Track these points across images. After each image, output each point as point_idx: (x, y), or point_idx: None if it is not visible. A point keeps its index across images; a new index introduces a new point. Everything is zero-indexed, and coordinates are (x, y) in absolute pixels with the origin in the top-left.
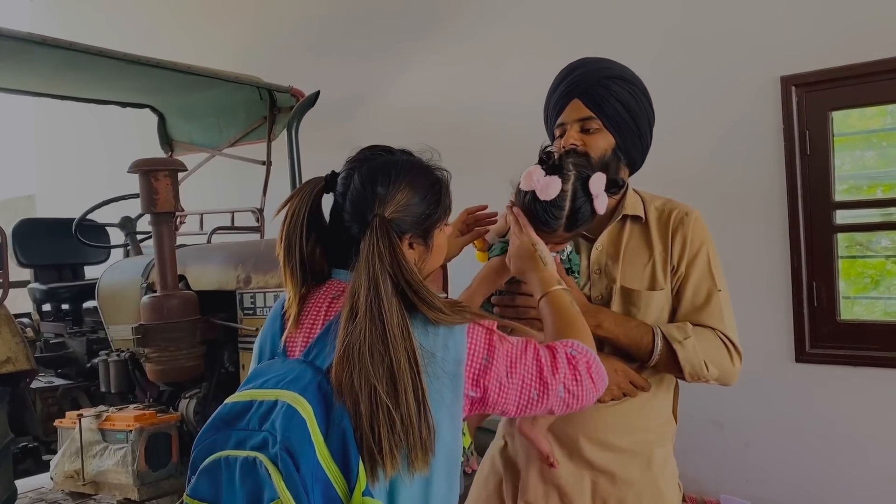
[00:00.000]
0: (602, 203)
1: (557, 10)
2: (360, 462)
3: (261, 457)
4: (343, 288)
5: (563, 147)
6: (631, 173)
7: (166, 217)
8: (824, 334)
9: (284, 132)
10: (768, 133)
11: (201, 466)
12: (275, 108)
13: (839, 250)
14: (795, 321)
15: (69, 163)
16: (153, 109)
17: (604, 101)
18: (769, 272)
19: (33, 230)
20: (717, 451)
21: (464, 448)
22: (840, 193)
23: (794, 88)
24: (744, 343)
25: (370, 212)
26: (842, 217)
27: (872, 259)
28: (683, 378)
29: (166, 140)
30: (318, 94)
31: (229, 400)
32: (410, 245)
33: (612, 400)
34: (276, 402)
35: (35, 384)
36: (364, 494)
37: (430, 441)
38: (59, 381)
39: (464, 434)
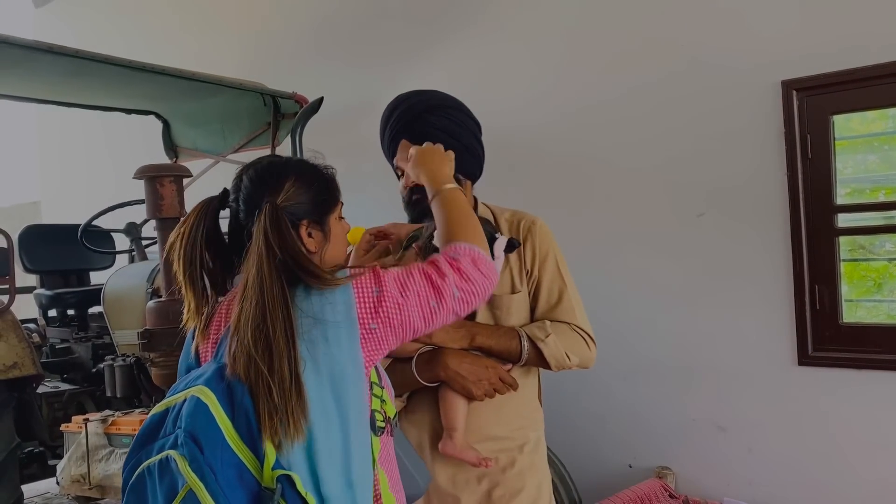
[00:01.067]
0: (500, 264)
1: (566, 18)
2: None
3: (171, 452)
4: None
5: (406, 187)
6: (473, 183)
7: (171, 223)
8: (827, 337)
9: (288, 138)
10: (769, 137)
11: (129, 486)
12: (279, 115)
13: (841, 254)
14: (798, 324)
15: (74, 169)
16: (158, 116)
17: (427, 136)
18: (771, 275)
19: (39, 236)
20: (719, 454)
21: (390, 417)
22: (842, 197)
23: (794, 93)
24: (746, 346)
25: (262, 201)
26: (844, 220)
27: (875, 262)
28: (550, 369)
29: (171, 146)
30: (321, 100)
31: (147, 416)
32: (309, 234)
33: (487, 397)
34: (184, 401)
35: (41, 389)
36: (275, 468)
37: (302, 408)
38: (65, 386)
39: (385, 402)
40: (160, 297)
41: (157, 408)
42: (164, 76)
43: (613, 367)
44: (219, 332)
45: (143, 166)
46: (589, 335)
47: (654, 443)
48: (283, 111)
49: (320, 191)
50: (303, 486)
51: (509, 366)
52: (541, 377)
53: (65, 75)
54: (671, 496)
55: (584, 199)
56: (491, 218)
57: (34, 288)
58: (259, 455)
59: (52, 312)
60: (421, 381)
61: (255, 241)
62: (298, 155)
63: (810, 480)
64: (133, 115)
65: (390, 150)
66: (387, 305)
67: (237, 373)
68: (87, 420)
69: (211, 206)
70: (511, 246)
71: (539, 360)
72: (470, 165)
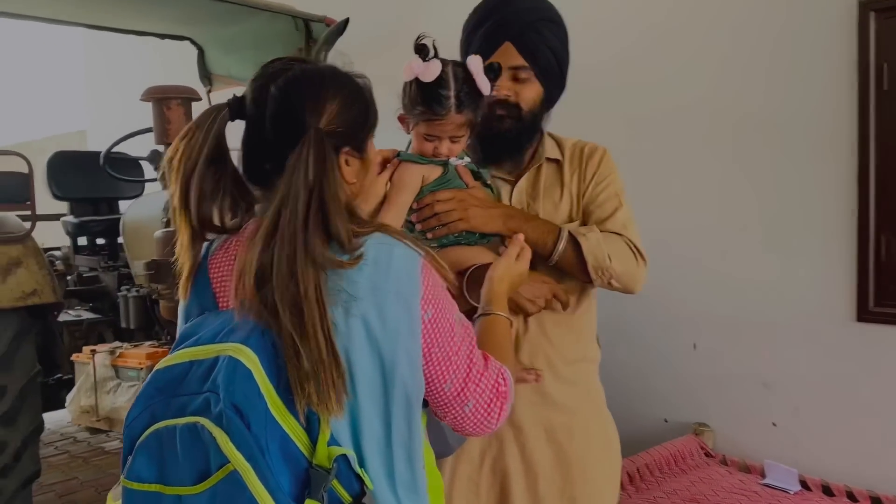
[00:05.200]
0: (483, 83)
1: None
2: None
3: (202, 420)
4: (259, 221)
5: (496, 96)
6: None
7: None
8: (891, 292)
9: None
10: (841, 65)
11: (138, 442)
12: (311, 40)
13: None
14: (859, 276)
15: (121, 97)
16: (192, 42)
17: (537, 49)
18: (833, 221)
19: (68, 163)
20: (762, 413)
21: None
22: None
23: (873, 14)
24: (799, 298)
25: (301, 126)
26: None
27: None
28: (588, 278)
29: (205, 73)
30: (346, 21)
31: (161, 365)
32: (346, 162)
33: (536, 311)
34: (216, 359)
35: (63, 318)
36: (330, 443)
37: (343, 380)
38: (87, 315)
39: None
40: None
41: (176, 358)
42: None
43: (651, 316)
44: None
45: (150, 87)
46: (641, 252)
47: (692, 398)
48: (315, 36)
49: (361, 110)
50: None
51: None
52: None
53: None
54: (707, 455)
55: (637, 133)
56: (555, 146)
57: (60, 215)
58: (310, 427)
59: (83, 241)
60: (471, 301)
61: (295, 174)
62: None
63: (862, 446)
64: (181, 43)
65: (483, 47)
66: (442, 312)
67: (269, 327)
68: (94, 351)
69: (220, 117)
70: (490, 69)
71: (576, 259)
72: (557, 97)
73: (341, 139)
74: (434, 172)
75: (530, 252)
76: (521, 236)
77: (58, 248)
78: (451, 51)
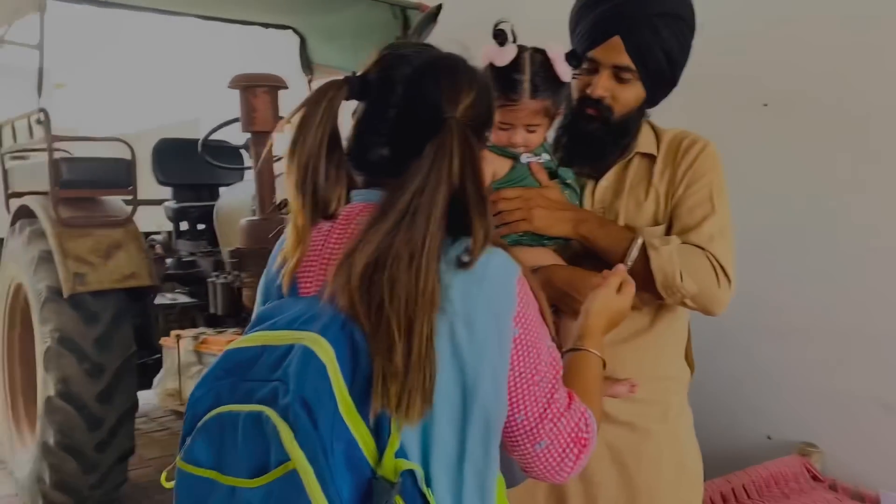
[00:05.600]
0: (563, 69)
1: None
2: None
3: (267, 411)
4: (367, 210)
5: (590, 94)
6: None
7: (264, 136)
8: None
9: None
10: None
11: (199, 424)
12: (407, 28)
13: None
14: None
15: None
16: (295, 31)
17: (648, 51)
18: None
19: (172, 150)
20: (880, 436)
21: None
22: None
23: None
24: None
25: (437, 114)
26: None
27: None
28: (658, 295)
29: (307, 63)
30: (439, 7)
31: (233, 345)
32: None
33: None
34: (290, 347)
35: (160, 300)
36: (398, 455)
37: (430, 387)
38: (182, 299)
39: None
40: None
41: (249, 341)
42: None
43: (756, 325)
44: (331, 259)
45: (237, 75)
46: (725, 271)
47: (799, 415)
48: (412, 24)
49: (488, 106)
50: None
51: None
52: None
53: None
54: (815, 478)
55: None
56: (652, 138)
57: (162, 200)
58: (379, 435)
59: (185, 225)
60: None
61: (436, 163)
62: None
63: None
64: (272, 32)
65: (590, 38)
66: (531, 333)
67: (359, 315)
68: (179, 336)
69: (337, 95)
70: (573, 56)
71: (645, 273)
72: (662, 97)
73: (474, 131)
74: (504, 167)
75: (633, 286)
76: (621, 267)
77: (157, 233)
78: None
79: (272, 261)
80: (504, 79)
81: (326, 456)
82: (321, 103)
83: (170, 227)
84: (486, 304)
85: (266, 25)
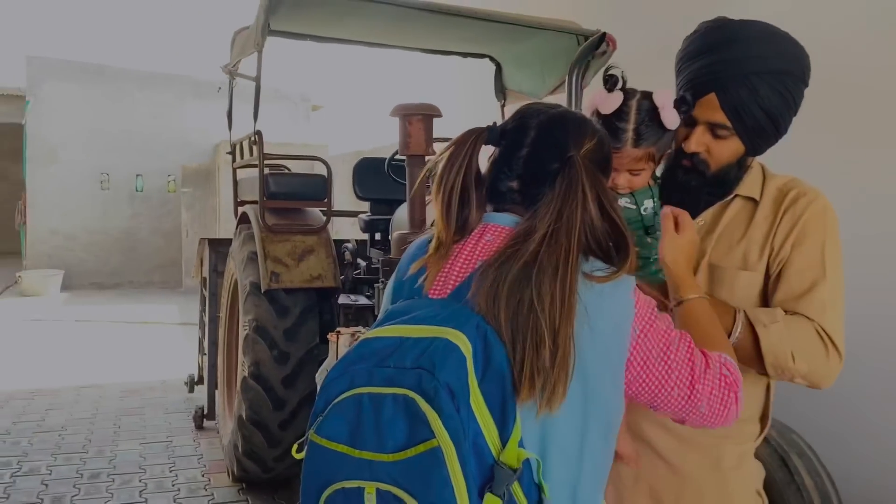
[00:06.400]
0: (670, 117)
1: None
2: (517, 411)
3: (413, 395)
4: (496, 230)
5: (686, 150)
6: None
7: (418, 160)
8: None
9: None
10: None
11: (335, 402)
12: (591, 55)
13: None
14: None
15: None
16: (492, 59)
17: (744, 109)
18: None
19: (370, 167)
20: None
21: None
22: None
23: None
24: None
25: (563, 152)
26: None
27: None
28: (765, 372)
29: (501, 89)
30: (602, 36)
31: (370, 335)
32: None
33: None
34: (432, 340)
35: (343, 300)
36: (521, 445)
37: (565, 383)
38: (361, 301)
39: None
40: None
41: (386, 332)
42: (492, 22)
43: None
44: (463, 269)
45: (397, 105)
46: (834, 343)
47: None
48: (597, 51)
49: (608, 152)
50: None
51: None
52: (773, 388)
53: (405, 20)
54: None
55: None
56: (759, 181)
57: (358, 213)
58: (504, 427)
59: (379, 236)
60: None
61: (567, 190)
62: (574, 98)
63: None
64: (469, 61)
65: (686, 89)
66: (635, 356)
67: (499, 317)
68: (339, 332)
69: (479, 139)
70: (683, 101)
71: (752, 352)
72: (767, 146)
73: (597, 168)
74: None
75: (687, 214)
76: (667, 209)
77: (349, 241)
78: None
79: (404, 266)
80: (608, 126)
81: (465, 438)
82: (466, 145)
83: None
84: (609, 314)
85: (465, 55)
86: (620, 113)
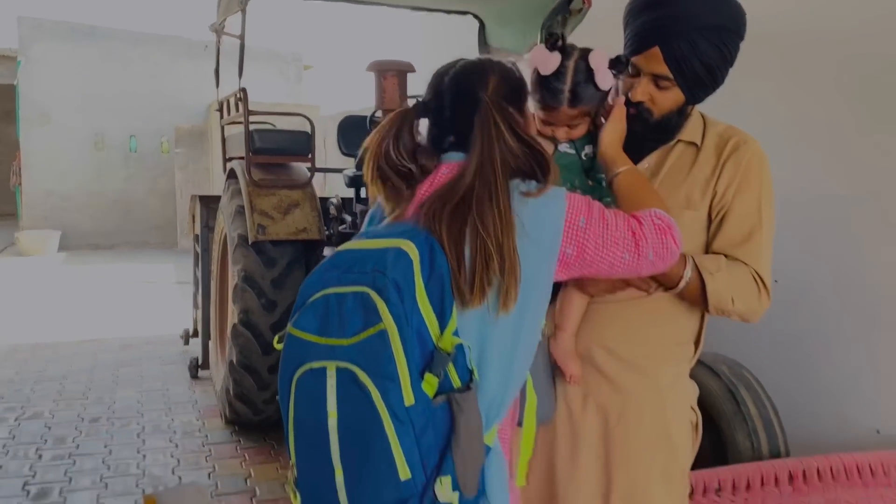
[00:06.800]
0: (604, 78)
1: None
2: (454, 306)
3: (368, 290)
4: (450, 166)
5: (631, 99)
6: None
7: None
8: None
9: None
10: None
11: (308, 301)
12: (566, 11)
13: None
14: None
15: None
16: (475, 16)
17: (685, 62)
18: None
19: (355, 125)
20: None
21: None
22: None
23: None
24: None
25: (475, 98)
26: None
27: None
28: (707, 310)
29: (484, 45)
30: None
31: (342, 248)
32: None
33: (606, 294)
34: (387, 250)
35: (328, 252)
36: (455, 334)
37: (516, 287)
38: None
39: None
40: None
41: (353, 245)
42: None
43: (873, 318)
44: (423, 196)
45: (373, 62)
46: (766, 286)
47: None
48: (572, 7)
49: (518, 82)
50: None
51: (661, 291)
52: (707, 318)
53: None
54: None
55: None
56: (698, 129)
57: (342, 169)
58: (442, 320)
59: (363, 191)
60: None
61: (483, 129)
62: None
63: None
64: (454, 17)
65: (632, 44)
66: (586, 239)
67: (441, 234)
68: None
69: (407, 116)
70: (618, 62)
71: (698, 295)
72: (706, 95)
73: (509, 101)
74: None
75: (623, 107)
76: (621, 100)
77: (334, 197)
78: None
79: (377, 204)
80: (545, 86)
81: (407, 323)
82: (393, 120)
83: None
84: (544, 223)
85: (449, 12)
86: (558, 73)
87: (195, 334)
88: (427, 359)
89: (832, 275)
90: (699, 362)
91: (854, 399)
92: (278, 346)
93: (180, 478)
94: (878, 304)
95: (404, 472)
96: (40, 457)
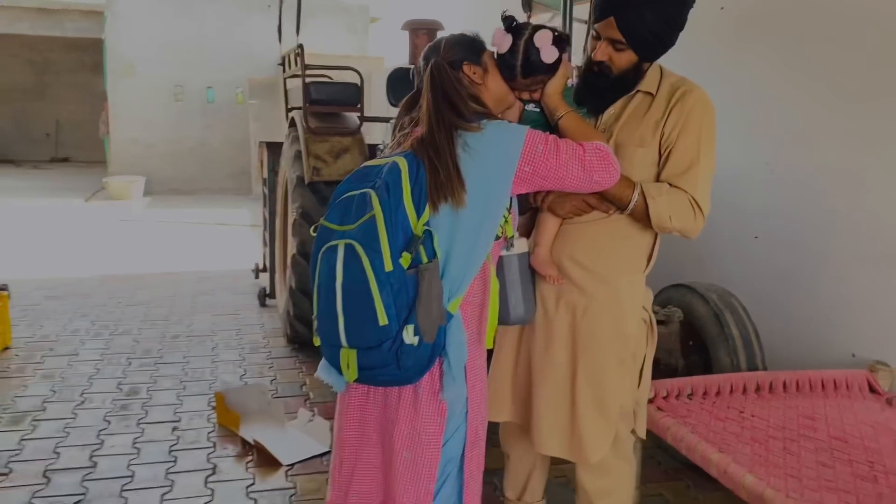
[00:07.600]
0: (548, 54)
1: None
2: (426, 206)
3: (370, 191)
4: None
5: (594, 59)
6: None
7: None
8: None
9: None
10: None
11: (337, 201)
12: None
13: None
14: None
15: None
16: None
17: (634, 30)
18: None
19: (401, 77)
20: None
21: (508, 237)
22: None
23: None
24: None
25: (430, 62)
26: None
27: None
28: (651, 226)
29: (528, 2)
30: None
31: (363, 165)
32: (473, 71)
33: (573, 215)
34: (388, 163)
35: None
36: (426, 224)
37: (462, 187)
38: None
39: (507, 222)
40: None
41: (372, 163)
42: None
43: (851, 251)
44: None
45: (407, 21)
46: (701, 209)
47: (885, 337)
48: None
49: (469, 42)
50: (439, 243)
51: (613, 210)
52: (659, 237)
53: None
54: (872, 390)
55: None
56: (654, 80)
57: (390, 118)
58: (419, 213)
59: None
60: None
61: (428, 85)
62: (568, 13)
63: None
64: None
65: (594, 13)
66: (543, 162)
67: (419, 155)
68: None
69: (411, 98)
70: (559, 39)
71: (643, 214)
72: (658, 54)
73: (459, 58)
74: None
75: (569, 63)
76: (567, 61)
77: (381, 143)
78: None
79: (385, 147)
80: (502, 62)
81: (392, 214)
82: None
83: None
84: (493, 146)
85: None
86: (511, 51)
87: (264, 269)
88: (407, 242)
89: (819, 218)
90: (693, 290)
91: (833, 326)
92: (313, 234)
93: (246, 382)
94: (855, 239)
95: (383, 320)
96: (130, 363)
